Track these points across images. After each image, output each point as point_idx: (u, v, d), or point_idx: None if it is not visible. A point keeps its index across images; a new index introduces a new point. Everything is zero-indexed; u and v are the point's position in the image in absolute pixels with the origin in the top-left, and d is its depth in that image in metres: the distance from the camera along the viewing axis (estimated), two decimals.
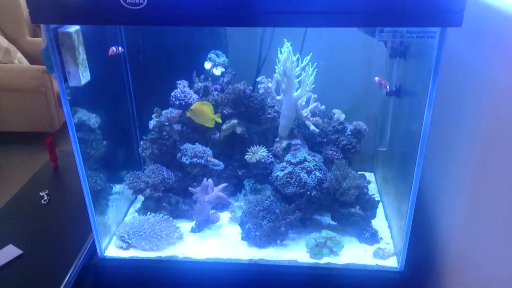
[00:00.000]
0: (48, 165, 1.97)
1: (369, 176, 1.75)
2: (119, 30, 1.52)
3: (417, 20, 0.95)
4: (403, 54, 1.30)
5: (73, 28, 1.10)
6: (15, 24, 3.13)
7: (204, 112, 1.46)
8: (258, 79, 1.52)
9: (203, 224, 1.48)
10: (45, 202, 1.72)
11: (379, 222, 1.50)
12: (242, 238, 1.42)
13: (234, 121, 1.53)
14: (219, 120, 1.50)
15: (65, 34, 1.09)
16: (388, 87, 1.33)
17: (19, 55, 3.06)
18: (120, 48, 1.40)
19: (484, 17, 1.08)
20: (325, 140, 1.52)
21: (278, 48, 1.39)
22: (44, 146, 1.95)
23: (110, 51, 1.35)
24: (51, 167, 1.96)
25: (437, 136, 1.33)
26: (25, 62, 3.07)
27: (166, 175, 1.51)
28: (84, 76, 1.17)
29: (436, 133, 1.30)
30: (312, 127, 1.50)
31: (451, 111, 1.27)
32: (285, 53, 1.38)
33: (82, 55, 1.15)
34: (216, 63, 1.53)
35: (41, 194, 1.75)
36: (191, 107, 1.46)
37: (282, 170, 1.43)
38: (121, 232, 1.43)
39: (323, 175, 1.41)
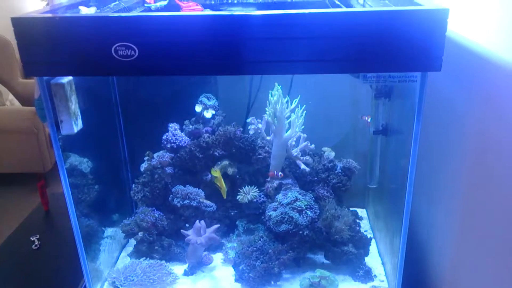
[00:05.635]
0: (40, 209, 1.97)
1: (361, 212, 1.76)
2: (111, 77, 1.55)
3: (398, 65, 0.98)
4: (388, 95, 1.33)
5: (66, 79, 1.12)
6: (7, 66, 3.14)
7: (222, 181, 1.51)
8: (248, 120, 1.54)
9: (196, 266, 1.47)
10: (36, 247, 1.70)
11: (373, 259, 1.50)
12: (236, 280, 1.41)
13: (226, 162, 1.54)
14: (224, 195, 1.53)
15: (58, 86, 1.10)
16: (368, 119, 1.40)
17: (11, 96, 3.07)
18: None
19: (463, 59, 1.12)
20: (315, 178, 1.54)
21: (270, 91, 1.43)
22: (36, 187, 1.95)
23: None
24: (43, 211, 1.95)
25: (425, 171, 1.35)
26: (16, 103, 3.08)
27: (158, 218, 1.51)
28: (76, 125, 1.18)
29: (424, 168, 1.32)
30: (302, 166, 1.51)
31: (437, 146, 1.30)
32: (275, 96, 1.42)
33: (74, 104, 1.17)
34: (207, 106, 1.56)
35: (32, 239, 1.74)
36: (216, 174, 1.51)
37: (275, 210, 1.44)
38: (113, 277, 1.41)
39: (315, 214, 1.42)
